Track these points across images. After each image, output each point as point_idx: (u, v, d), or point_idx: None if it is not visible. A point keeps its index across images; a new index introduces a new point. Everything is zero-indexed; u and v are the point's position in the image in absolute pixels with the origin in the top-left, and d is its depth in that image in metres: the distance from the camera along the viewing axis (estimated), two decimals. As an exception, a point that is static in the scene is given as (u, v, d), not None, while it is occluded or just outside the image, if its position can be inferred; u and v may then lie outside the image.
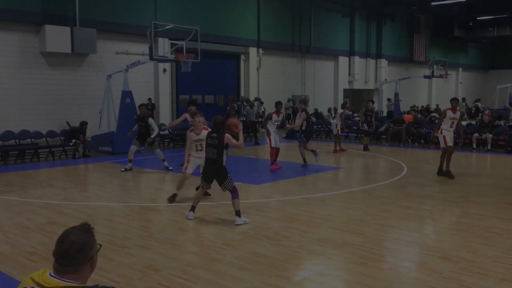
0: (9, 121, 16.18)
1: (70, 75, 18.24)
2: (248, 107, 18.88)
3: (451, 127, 10.66)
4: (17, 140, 13.99)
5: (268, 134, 11.85)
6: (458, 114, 10.76)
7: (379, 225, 6.81)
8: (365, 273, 4.97)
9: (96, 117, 17.22)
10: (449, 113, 10.68)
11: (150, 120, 11.91)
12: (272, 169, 11.70)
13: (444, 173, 10.70)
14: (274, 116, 12.01)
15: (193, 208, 7.18)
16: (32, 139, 14.32)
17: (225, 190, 7.00)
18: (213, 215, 7.44)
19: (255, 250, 5.69)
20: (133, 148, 11.71)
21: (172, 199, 8.25)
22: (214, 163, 6.93)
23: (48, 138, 14.56)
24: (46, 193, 9.20)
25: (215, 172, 6.95)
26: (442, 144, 10.84)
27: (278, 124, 12.13)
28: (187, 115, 11.68)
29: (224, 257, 5.47)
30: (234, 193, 6.93)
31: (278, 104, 12.48)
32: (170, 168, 11.66)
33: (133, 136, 12.18)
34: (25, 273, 4.67)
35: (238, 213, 6.87)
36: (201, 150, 7.96)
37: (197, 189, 8.56)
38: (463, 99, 31.14)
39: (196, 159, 8.20)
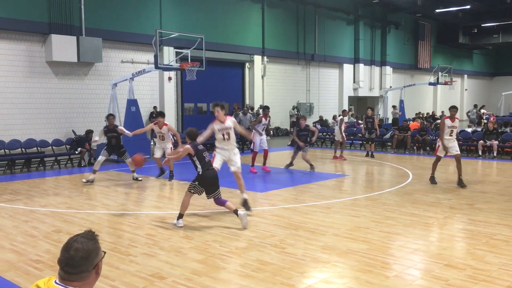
0: (15, 129, 16.30)
1: (76, 84, 18.37)
2: (241, 114, 18.81)
3: (450, 135, 10.61)
4: (23, 149, 14.09)
5: (254, 136, 12.73)
6: (457, 122, 10.70)
7: (384, 232, 6.79)
8: (370, 280, 4.95)
9: (102, 125, 17.29)
10: (448, 122, 10.62)
11: (120, 128, 11.71)
12: (251, 171, 12.59)
13: (460, 182, 10.53)
14: (263, 120, 12.90)
15: (181, 216, 7.23)
16: (38, 148, 14.41)
17: (211, 199, 7.23)
18: (218, 223, 7.44)
19: (260, 258, 5.68)
20: (101, 158, 11.20)
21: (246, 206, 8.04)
22: (213, 168, 7.28)
23: (54, 147, 14.65)
24: (51, 201, 9.24)
25: (216, 180, 7.17)
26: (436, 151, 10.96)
27: (264, 127, 13.00)
28: (154, 126, 11.58)
29: (229, 265, 5.47)
30: (222, 200, 7.21)
31: (266, 108, 13.41)
32: (140, 179, 11.45)
33: (102, 146, 11.98)
34: (31, 281, 4.69)
35: (236, 212, 7.08)
36: (228, 139, 8.07)
37: (245, 206, 8.08)
38: (475, 106, 30.97)
39: (223, 151, 8.17)
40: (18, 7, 16.33)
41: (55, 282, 2.10)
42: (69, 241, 2.14)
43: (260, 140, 12.82)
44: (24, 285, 4.86)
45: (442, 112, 32.91)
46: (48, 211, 8.40)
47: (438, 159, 10.83)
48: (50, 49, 17.05)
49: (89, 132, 14.99)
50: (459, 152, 10.68)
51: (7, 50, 16.47)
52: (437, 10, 32.68)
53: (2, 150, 13.77)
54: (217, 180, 7.18)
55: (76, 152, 14.27)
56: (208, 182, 7.11)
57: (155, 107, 20.71)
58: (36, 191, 10.35)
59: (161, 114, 11.75)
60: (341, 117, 16.50)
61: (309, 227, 7.10)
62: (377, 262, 5.52)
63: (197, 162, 7.08)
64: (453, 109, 10.77)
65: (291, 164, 13.27)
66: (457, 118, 10.82)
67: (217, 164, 8.03)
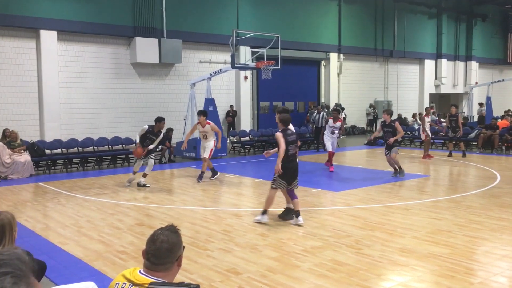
0: (103, 128, 17.36)
1: (157, 84, 19.20)
2: (315, 113, 18.71)
3: None
4: (110, 146, 14.97)
5: (323, 137, 12.82)
6: None
7: (468, 237, 6.43)
8: (452, 286, 4.72)
9: (181, 124, 17.96)
10: None
11: (162, 135, 10.92)
12: (331, 170, 12.46)
13: None
14: (330, 122, 12.62)
15: (265, 212, 7.28)
16: (123, 145, 15.24)
17: (292, 188, 7.21)
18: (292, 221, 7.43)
19: (335, 258, 5.61)
20: (151, 162, 10.82)
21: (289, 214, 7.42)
22: (295, 160, 7.22)
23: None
24: (135, 196, 9.74)
25: (296, 169, 7.18)
26: None
27: (333, 130, 12.62)
28: (197, 126, 11.51)
29: (304, 264, 5.45)
30: (294, 194, 7.20)
31: (333, 111, 13.00)
32: (128, 184, 10.74)
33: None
34: (116, 271, 4.98)
35: (299, 213, 7.13)
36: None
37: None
38: None
39: None
40: (106, 12, 17.36)
41: (140, 272, 2.21)
42: (154, 233, 2.26)
43: (331, 141, 12.69)
44: (111, 274, 5.17)
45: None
46: (131, 205, 8.86)
47: None
48: (134, 51, 17.95)
49: (170, 131, 15.60)
50: None
51: (96, 53, 17.56)
52: (529, 0, 30.33)
53: (91, 147, 14.72)
54: (297, 172, 7.22)
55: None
56: (288, 174, 7.13)
57: (231, 106, 21.11)
58: (121, 186, 10.95)
59: (202, 113, 11.54)
60: (423, 115, 16.03)
61: (387, 229, 6.89)
62: (460, 267, 5.24)
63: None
64: None
65: (398, 170, 11.70)
66: None
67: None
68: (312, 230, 6.88)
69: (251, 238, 6.56)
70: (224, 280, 5.00)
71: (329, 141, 12.68)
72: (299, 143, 7.57)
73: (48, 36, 16.19)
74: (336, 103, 24.26)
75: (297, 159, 7.33)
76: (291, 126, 7.41)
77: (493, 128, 17.27)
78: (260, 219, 7.27)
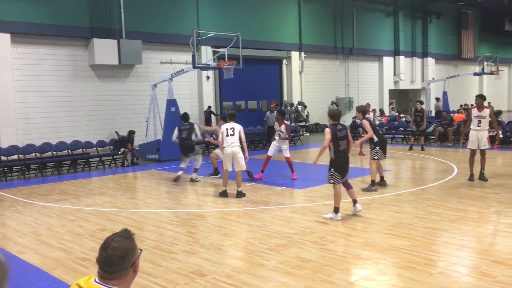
0: (62, 132, 16.90)
1: (117, 86, 18.84)
2: (268, 111, 18.71)
3: (478, 126, 10.18)
4: (69, 150, 14.59)
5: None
6: (485, 112, 10.16)
7: (428, 228, 6.61)
8: (413, 277, 4.84)
9: (143, 126, 17.70)
10: (474, 111, 10.28)
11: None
12: (257, 177, 11.25)
13: (481, 176, 10.26)
14: (276, 125, 11.47)
15: (337, 210, 7.33)
16: (83, 149, 14.88)
17: (345, 180, 7.51)
18: (257, 220, 7.46)
19: (299, 255, 5.65)
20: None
21: None
22: (347, 155, 7.43)
23: (98, 148, 15.09)
24: (97, 201, 9.53)
25: (347, 163, 7.47)
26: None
27: (280, 134, 11.37)
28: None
29: (269, 262, 5.47)
30: (349, 183, 7.56)
31: (277, 113, 11.79)
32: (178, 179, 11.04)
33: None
34: (77, 279, 4.85)
35: (356, 201, 7.53)
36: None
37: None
38: None
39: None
40: (61, 13, 16.90)
41: (95, 281, 2.15)
42: (106, 240, 2.19)
43: (276, 146, 11.41)
44: (71, 282, 5.03)
45: (489, 103, 31.67)
46: (93, 210, 8.66)
47: (472, 153, 10.39)
48: (92, 53, 17.56)
49: (131, 133, 15.33)
50: (486, 147, 10.21)
51: (52, 56, 17.07)
52: (481, -2, 31.51)
53: (50, 152, 14.30)
54: (347, 165, 7.48)
55: (119, 153, 14.64)
56: (341, 168, 7.33)
57: (209, 107, 21.05)
58: (82, 191, 10.70)
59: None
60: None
61: (350, 224, 7.01)
62: (420, 258, 5.38)
63: (331, 147, 7.25)
64: (478, 98, 10.41)
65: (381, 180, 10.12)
66: (488, 108, 10.37)
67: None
68: (277, 228, 6.91)
69: (216, 239, 6.53)
70: (189, 282, 4.95)
71: (273, 145, 11.46)
72: (351, 139, 7.62)
73: (1, 39, 15.62)
74: (298, 101, 24.47)
75: (348, 154, 7.48)
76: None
77: (447, 121, 17.86)
78: (332, 216, 7.26)
